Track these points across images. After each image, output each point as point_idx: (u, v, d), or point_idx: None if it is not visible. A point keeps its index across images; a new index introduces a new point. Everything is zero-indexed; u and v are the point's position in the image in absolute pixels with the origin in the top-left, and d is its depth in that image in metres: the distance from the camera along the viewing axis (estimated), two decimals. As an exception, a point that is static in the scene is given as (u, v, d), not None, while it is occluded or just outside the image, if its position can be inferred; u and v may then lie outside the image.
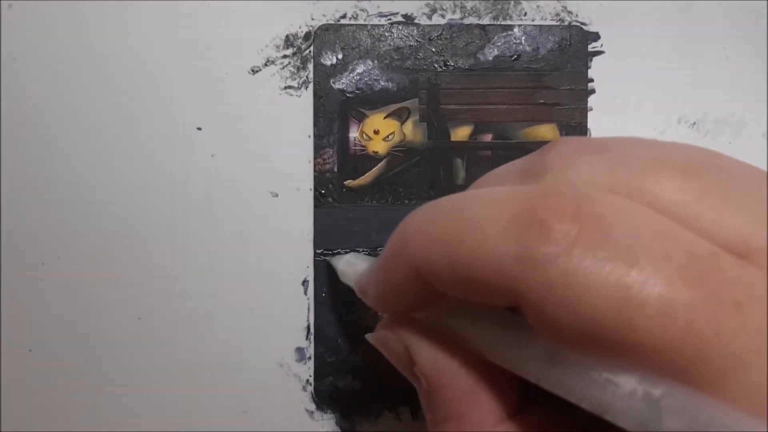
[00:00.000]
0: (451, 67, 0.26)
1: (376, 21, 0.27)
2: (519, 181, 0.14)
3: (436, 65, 0.26)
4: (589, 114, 0.26)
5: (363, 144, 0.26)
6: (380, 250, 0.26)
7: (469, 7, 0.27)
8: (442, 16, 0.27)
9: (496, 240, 0.12)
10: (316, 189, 0.26)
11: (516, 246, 0.12)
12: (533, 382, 0.13)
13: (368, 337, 0.18)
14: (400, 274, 0.15)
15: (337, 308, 0.26)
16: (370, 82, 0.26)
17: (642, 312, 0.10)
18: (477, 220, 0.13)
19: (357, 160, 0.26)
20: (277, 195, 0.27)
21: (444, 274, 0.13)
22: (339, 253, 0.26)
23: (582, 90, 0.26)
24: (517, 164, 0.15)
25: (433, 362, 0.15)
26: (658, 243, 0.11)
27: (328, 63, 0.26)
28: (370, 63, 0.26)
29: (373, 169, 0.26)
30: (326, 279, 0.26)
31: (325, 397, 0.26)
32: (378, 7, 0.27)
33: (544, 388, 0.13)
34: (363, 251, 0.26)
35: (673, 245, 0.11)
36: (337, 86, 0.26)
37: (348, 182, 0.26)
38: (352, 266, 0.22)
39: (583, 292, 0.11)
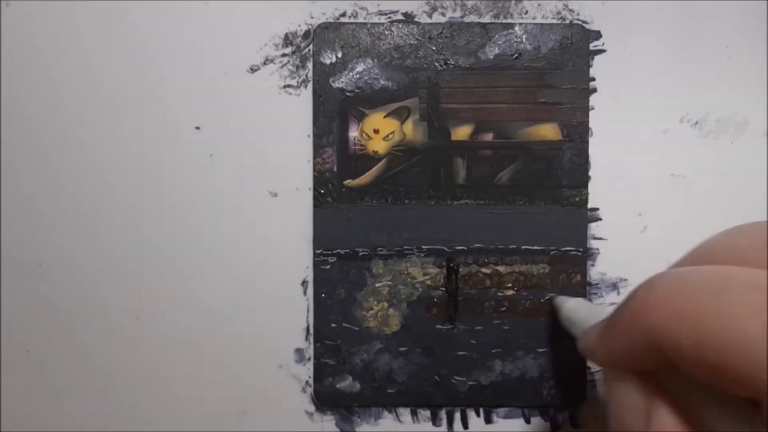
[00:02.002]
0: (452, 66, 0.26)
1: (375, 19, 0.26)
2: None
3: (436, 64, 0.26)
4: (591, 113, 0.26)
5: (363, 143, 0.26)
6: (380, 250, 0.26)
7: (469, 6, 0.27)
8: (443, 14, 0.27)
9: (759, 333, 0.12)
10: (315, 189, 0.26)
11: None
12: None
13: (604, 377, 0.17)
14: (635, 342, 0.14)
15: (337, 309, 0.26)
16: (369, 81, 0.26)
17: None
18: (735, 305, 0.12)
19: (357, 160, 0.26)
20: (276, 195, 0.27)
21: (688, 353, 0.13)
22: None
23: (583, 89, 0.26)
24: None
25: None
26: None
27: (328, 61, 0.26)
28: (370, 61, 0.26)
29: (373, 168, 0.26)
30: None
31: (324, 398, 0.26)
32: (378, 5, 0.27)
33: None
34: (363, 251, 0.26)
35: None
36: (336, 85, 0.26)
37: (347, 182, 0.26)
38: (576, 313, 0.22)
39: None
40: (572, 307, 0.23)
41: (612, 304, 0.26)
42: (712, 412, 0.14)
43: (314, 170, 0.26)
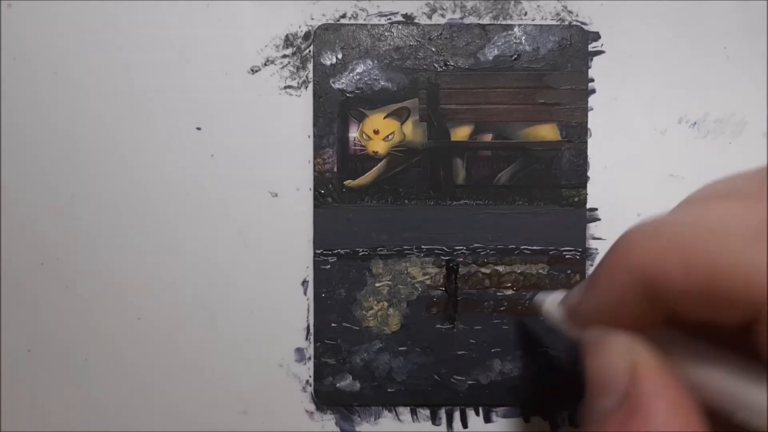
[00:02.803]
0: (451, 67, 0.26)
1: (375, 21, 0.27)
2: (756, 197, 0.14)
3: (436, 65, 0.26)
4: (590, 114, 0.26)
5: (363, 144, 0.26)
6: (380, 250, 0.27)
7: (469, 7, 0.27)
8: (442, 15, 0.27)
9: (743, 246, 0.12)
10: (315, 189, 0.26)
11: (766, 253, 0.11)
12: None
13: (589, 334, 0.16)
14: (621, 285, 0.14)
15: (337, 308, 0.26)
16: (369, 82, 0.26)
17: None
18: (718, 225, 0.12)
19: (357, 160, 0.26)
20: (276, 195, 0.27)
21: (678, 281, 0.13)
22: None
23: (582, 90, 0.26)
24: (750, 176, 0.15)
25: (660, 388, 0.14)
26: None
27: (328, 63, 0.26)
28: (370, 63, 0.26)
29: (373, 169, 0.26)
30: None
31: (324, 397, 0.26)
32: (378, 6, 0.27)
33: None
34: (363, 251, 0.26)
35: None
36: (336, 86, 0.26)
37: (348, 182, 0.26)
38: (555, 302, 0.21)
39: None
40: (553, 299, 0.23)
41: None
42: (700, 367, 0.14)
43: (314, 170, 0.26)
